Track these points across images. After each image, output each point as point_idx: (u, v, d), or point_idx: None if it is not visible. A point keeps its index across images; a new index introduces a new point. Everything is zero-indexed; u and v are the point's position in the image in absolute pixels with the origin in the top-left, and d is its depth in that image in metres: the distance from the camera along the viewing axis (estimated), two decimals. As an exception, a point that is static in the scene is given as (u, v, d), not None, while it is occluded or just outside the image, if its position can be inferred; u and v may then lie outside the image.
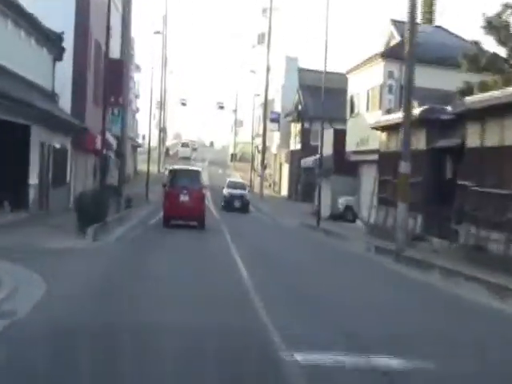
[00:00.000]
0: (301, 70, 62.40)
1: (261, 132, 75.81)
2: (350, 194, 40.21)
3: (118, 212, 27.02)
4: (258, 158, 77.44)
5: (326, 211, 42.33)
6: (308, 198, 52.07)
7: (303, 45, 64.20)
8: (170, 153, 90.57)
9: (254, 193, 58.55)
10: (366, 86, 34.95)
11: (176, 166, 32.42)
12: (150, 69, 47.11)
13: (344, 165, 40.35)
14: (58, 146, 25.05)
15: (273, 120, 61.36)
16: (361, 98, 36.16)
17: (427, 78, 31.49)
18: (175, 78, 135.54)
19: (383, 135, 31.51)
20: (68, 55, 28.24)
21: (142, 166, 71.28)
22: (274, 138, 65.61)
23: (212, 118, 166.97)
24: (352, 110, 38.10)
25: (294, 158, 56.00)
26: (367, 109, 34.95)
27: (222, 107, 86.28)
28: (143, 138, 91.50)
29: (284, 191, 60.56)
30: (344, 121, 42.55)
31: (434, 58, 32.00)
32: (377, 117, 32.40)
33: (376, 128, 31.81)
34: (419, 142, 26.35)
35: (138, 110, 67.81)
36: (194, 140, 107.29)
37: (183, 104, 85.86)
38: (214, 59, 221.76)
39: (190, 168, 32.54)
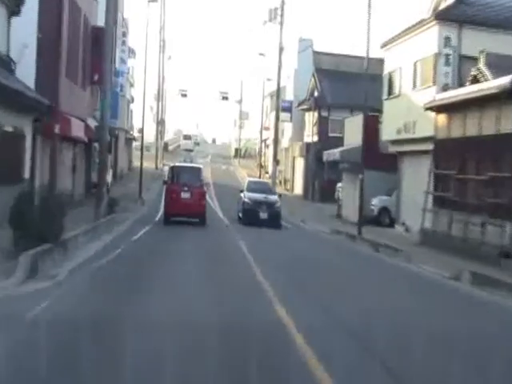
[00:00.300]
0: (315, 53, 55.47)
1: (268, 124, 68.95)
2: (384, 193, 33.32)
3: (95, 220, 19.98)
4: (267, 152, 70.47)
5: (352, 214, 35.32)
6: (327, 197, 45.16)
7: (316, 26, 56.98)
8: (170, 148, 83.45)
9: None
10: (413, 58, 27.89)
11: (177, 164, 31.61)
12: (145, 49, 40.04)
13: (377, 158, 33.42)
14: (9, 129, 18.00)
15: (284, 109, 54.32)
16: (404, 74, 29.10)
17: (498, 43, 24.57)
18: (174, 68, 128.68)
19: (441, 118, 24.51)
20: (31, 10, 21.16)
21: (138, 162, 64.38)
22: (286, 130, 58.54)
23: (214, 113, 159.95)
24: (390, 91, 31.02)
25: (310, 151, 48.95)
26: (414, 86, 27.88)
27: (225, 97, 78.87)
28: (139, 131, 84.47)
29: (298, 189, 53.46)
30: (368, 109, 35.50)
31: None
32: (429, 95, 25.40)
33: (431, 108, 24.81)
34: (507, 121, 19.35)
35: (132, 99, 60.63)
36: (196, 134, 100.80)
37: (183, 95, 78.60)
38: (217, 45, 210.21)
39: (191, 165, 32.50)
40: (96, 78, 31.08)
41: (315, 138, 48.60)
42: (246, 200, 28.71)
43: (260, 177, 55.22)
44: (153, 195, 41.05)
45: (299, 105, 53.77)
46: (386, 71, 31.65)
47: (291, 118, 55.09)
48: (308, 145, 49.55)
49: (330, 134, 49.07)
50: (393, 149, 31.11)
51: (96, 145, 37.30)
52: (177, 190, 24.59)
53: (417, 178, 28.94)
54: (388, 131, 30.88)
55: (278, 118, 46.43)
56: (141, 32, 49.20)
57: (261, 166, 75.08)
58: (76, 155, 29.58)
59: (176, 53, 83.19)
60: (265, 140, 73.40)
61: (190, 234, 22.19)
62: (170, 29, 71.44)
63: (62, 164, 26.49)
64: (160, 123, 65.85)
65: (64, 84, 23.83)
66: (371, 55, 33.96)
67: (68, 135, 23.73)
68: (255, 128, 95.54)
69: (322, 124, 48.73)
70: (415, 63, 27.78)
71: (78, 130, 25.13)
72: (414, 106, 27.43)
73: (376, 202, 32.98)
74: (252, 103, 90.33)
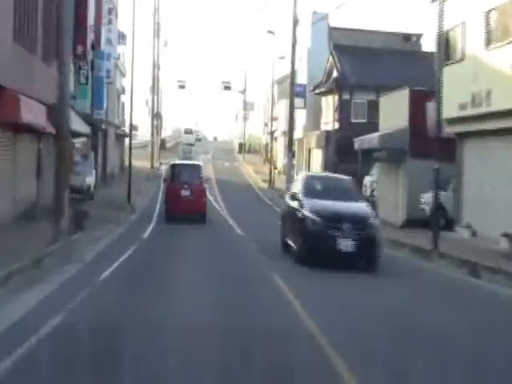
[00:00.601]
0: (331, 29, 48.62)
1: (276, 114, 62.20)
2: (435, 188, 26.28)
3: (49, 246, 13.02)
4: (276, 146, 63.61)
5: (392, 215, 28.37)
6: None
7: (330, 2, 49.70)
8: (168, 145, 76.41)
9: (275, 190, 44.67)
10: (483, 6, 20.87)
11: (177, 161, 30.60)
12: (132, 15, 32.84)
13: (426, 143, 26.56)
14: None
15: (297, 94, 47.28)
16: (470, 30, 22.06)
17: None
18: (171, 58, 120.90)
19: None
20: None
21: (134, 161, 57.38)
22: (299, 119, 51.47)
23: (214, 109, 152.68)
24: (448, 55, 23.91)
25: (330, 141, 41.93)
26: (487, 44, 20.84)
27: (228, 87, 71.53)
28: (135, 128, 77.44)
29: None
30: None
31: None
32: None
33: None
34: None
35: (123, 90, 53.52)
36: (198, 130, 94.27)
37: (181, 86, 71.48)
38: (217, 32, 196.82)
39: (191, 162, 31.92)
40: (80, 50, 24.45)
41: (335, 126, 41.57)
42: (308, 215, 14.69)
43: (271, 174, 48.11)
44: (146, 200, 34.17)
45: (315, 88, 46.76)
46: (439, 31, 24.53)
47: (305, 104, 48.11)
48: (328, 134, 42.48)
49: (353, 120, 42.23)
50: (452, 130, 24.09)
51: (74, 141, 30.40)
52: (177, 188, 24.44)
53: (488, 167, 22.07)
54: (447, 108, 23.83)
55: (292, 102, 39.35)
56: (134, 18, 42.06)
57: (269, 162, 68.03)
58: (42, 152, 22.59)
59: (173, 42, 76.44)
60: (272, 132, 66.31)
61: (194, 264, 14.88)
62: (165, 15, 63.62)
63: (22, 163, 19.56)
64: (156, 117, 58.81)
65: (14, 52, 16.84)
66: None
67: (15, 120, 16.70)
68: (259, 121, 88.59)
69: (344, 108, 41.79)
70: (488, 13, 20.75)
71: (33, 114, 18.12)
72: (487, 70, 20.47)
73: (428, 199, 25.99)
74: (256, 94, 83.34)
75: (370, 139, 28.52)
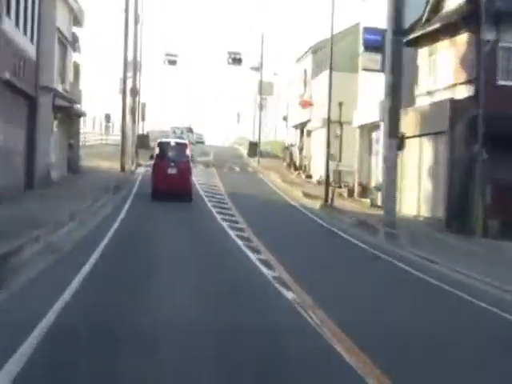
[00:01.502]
0: None
1: (309, 98, 42.50)
2: None
3: None
4: (308, 143, 43.82)
5: None
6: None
7: None
8: (153, 144, 55.85)
9: (338, 212, 24.48)
10: None
11: (164, 139, 30.86)
12: None
13: None
14: None
15: (368, 45, 27.98)
16: None
17: None
18: (157, 24, 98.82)
19: None
20: None
21: (102, 162, 38.65)
22: (365, 91, 31.39)
23: (210, 109, 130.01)
24: None
25: (458, 120, 21.72)
26: None
27: (237, 59, 50.63)
28: (107, 119, 57.20)
29: (410, 207, 25.56)
30: None
31: None
32: None
33: None
34: None
35: (79, 48, 33.10)
36: (201, 134, 76.85)
37: (171, 62, 51.38)
38: None
39: (178, 141, 31.62)
40: None
41: (460, 93, 21.37)
42: None
43: (328, 185, 27.77)
44: (80, 234, 14.02)
45: (408, 32, 26.40)
46: None
47: (383, 63, 27.77)
48: (455, 107, 22.05)
49: (500, 82, 22.17)
50: None
51: None
52: (163, 166, 25.19)
53: None
54: None
55: (399, 46, 19.20)
56: None
57: (295, 168, 47.71)
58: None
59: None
60: (302, 124, 46.18)
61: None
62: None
63: None
64: (132, 93, 38.29)
65: None
66: None
67: None
68: (262, 120, 68.32)
69: (483, 60, 21.56)
70: None
71: None
72: None
73: None
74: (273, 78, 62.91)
75: None
